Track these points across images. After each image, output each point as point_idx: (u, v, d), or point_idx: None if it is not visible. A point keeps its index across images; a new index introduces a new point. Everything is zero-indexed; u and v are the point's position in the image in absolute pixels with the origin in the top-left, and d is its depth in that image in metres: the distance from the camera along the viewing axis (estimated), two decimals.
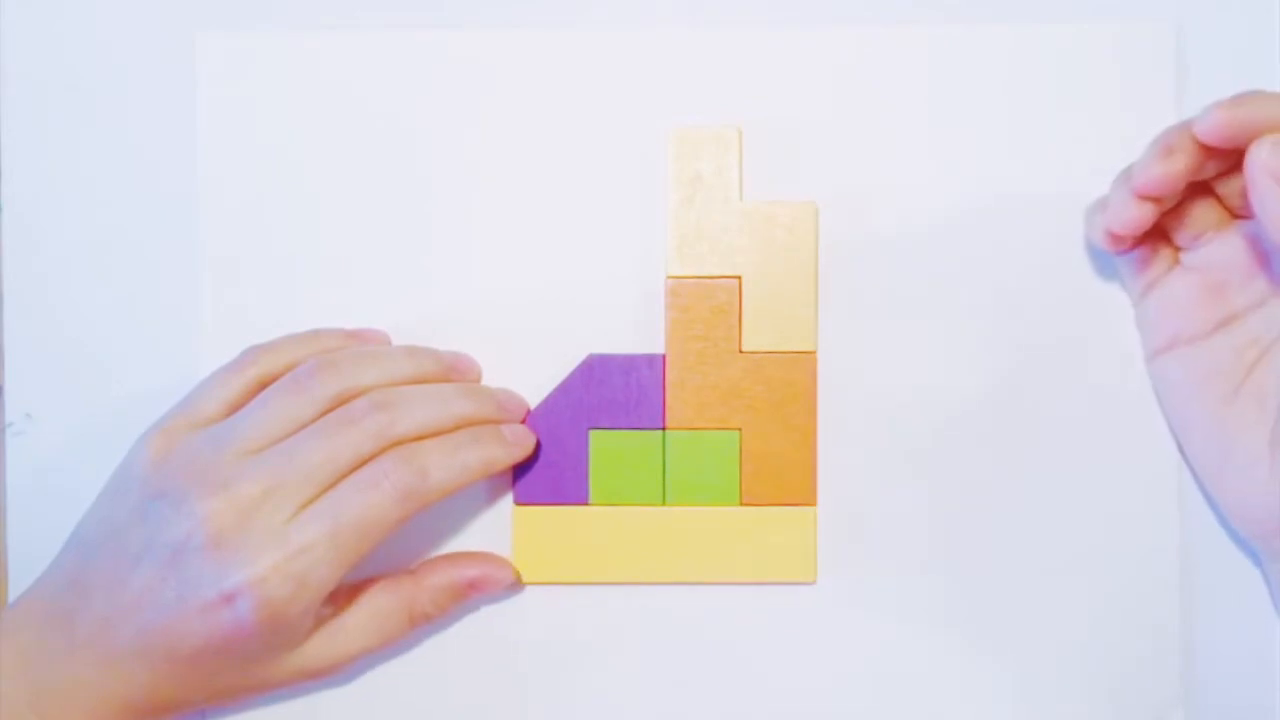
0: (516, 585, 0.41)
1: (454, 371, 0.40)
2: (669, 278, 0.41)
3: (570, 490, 0.41)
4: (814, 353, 0.41)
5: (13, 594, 0.42)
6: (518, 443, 0.40)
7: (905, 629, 0.41)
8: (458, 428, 0.39)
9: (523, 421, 0.41)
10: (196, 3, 0.42)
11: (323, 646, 0.38)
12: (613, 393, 0.41)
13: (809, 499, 0.41)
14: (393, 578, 0.39)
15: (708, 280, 0.41)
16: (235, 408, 0.38)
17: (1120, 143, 0.41)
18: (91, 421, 0.40)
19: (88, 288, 0.42)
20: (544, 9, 0.42)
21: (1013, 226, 0.41)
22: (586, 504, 0.41)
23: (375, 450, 0.37)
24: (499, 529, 0.41)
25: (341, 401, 0.38)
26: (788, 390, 0.41)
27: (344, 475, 0.37)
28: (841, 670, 0.41)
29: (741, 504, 0.41)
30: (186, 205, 0.42)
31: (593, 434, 0.41)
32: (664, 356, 0.41)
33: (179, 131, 0.42)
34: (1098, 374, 0.41)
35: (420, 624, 0.40)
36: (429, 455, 0.38)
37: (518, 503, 0.41)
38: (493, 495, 0.42)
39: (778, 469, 0.41)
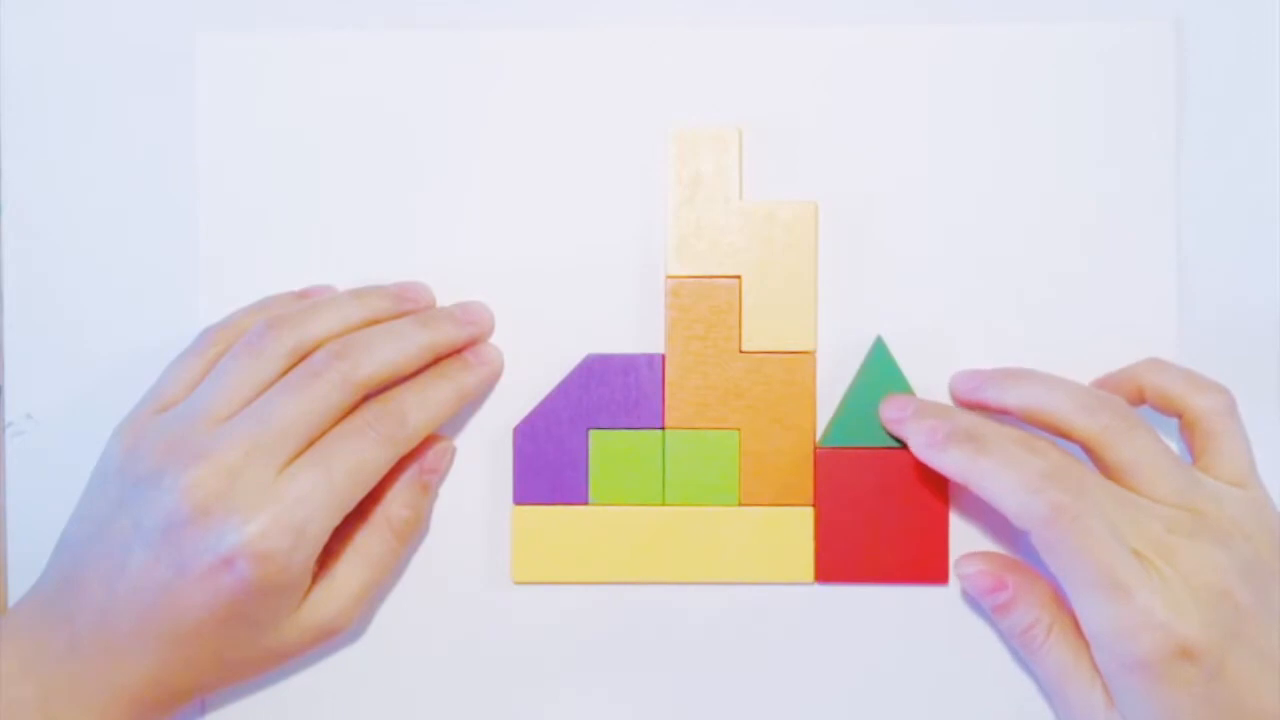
0: (450, 450, 0.41)
1: (405, 303, 0.40)
2: (669, 277, 0.41)
3: (570, 490, 0.41)
4: (814, 353, 0.41)
5: (13, 592, 0.42)
6: (485, 363, 0.41)
7: (905, 629, 0.41)
8: (421, 359, 0.39)
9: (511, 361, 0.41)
10: (196, 3, 0.42)
11: (323, 598, 0.39)
12: (612, 393, 0.41)
13: (808, 499, 0.41)
14: (358, 509, 0.39)
15: (707, 280, 0.41)
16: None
17: (1120, 143, 0.41)
18: (91, 421, 0.40)
19: (88, 288, 0.42)
20: (544, 9, 0.42)
21: (1013, 226, 0.41)
22: (586, 504, 0.41)
23: (344, 399, 0.37)
24: (499, 529, 0.41)
25: (299, 356, 0.38)
26: (787, 390, 0.41)
27: (318, 428, 0.37)
28: (841, 670, 0.41)
29: (740, 504, 0.41)
30: (186, 205, 0.42)
31: (592, 434, 0.41)
32: (663, 356, 0.41)
33: (179, 131, 0.42)
34: (1098, 372, 0.41)
35: (406, 534, 0.40)
36: (404, 399, 0.38)
37: (517, 503, 0.41)
38: (493, 495, 0.42)
39: (777, 469, 0.41)
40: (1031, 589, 0.39)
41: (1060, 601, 0.38)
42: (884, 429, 0.40)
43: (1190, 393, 0.38)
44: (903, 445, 0.40)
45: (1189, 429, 0.39)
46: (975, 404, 0.39)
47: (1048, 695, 0.40)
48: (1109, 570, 0.34)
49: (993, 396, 0.39)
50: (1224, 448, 0.38)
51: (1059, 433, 0.38)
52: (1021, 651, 0.39)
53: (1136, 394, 0.39)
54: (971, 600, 0.41)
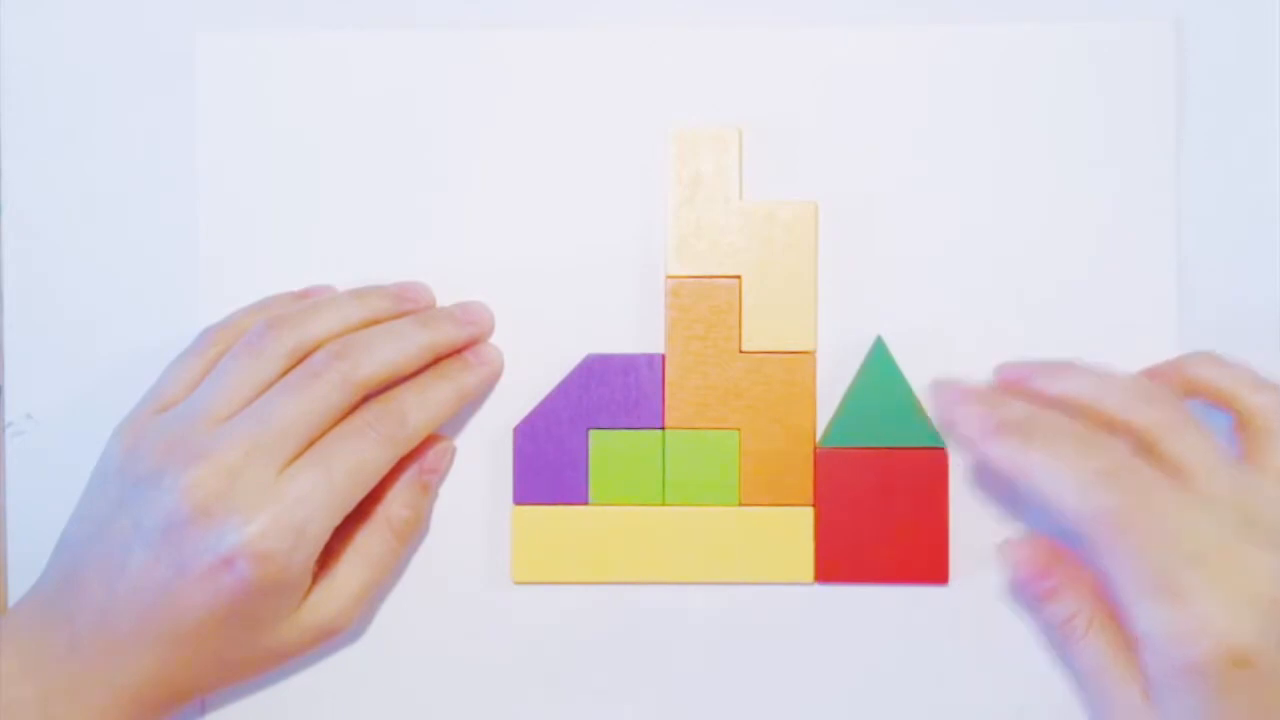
0: (451, 451, 0.41)
1: (405, 303, 0.40)
2: (669, 277, 0.41)
3: (570, 490, 0.41)
4: (814, 353, 0.41)
5: (13, 593, 0.42)
6: (485, 363, 0.41)
7: (905, 629, 0.41)
8: (421, 359, 0.39)
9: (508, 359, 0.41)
10: (196, 3, 0.42)
11: (323, 598, 0.39)
12: (612, 393, 0.41)
13: (808, 499, 0.41)
14: (359, 509, 0.39)
15: (707, 280, 0.41)
16: None
17: (1120, 143, 0.41)
18: (91, 421, 0.40)
19: (88, 288, 0.42)
20: (544, 9, 0.42)
21: (1013, 226, 0.41)
22: (586, 504, 0.41)
23: (344, 399, 0.37)
24: (499, 529, 0.41)
25: (299, 357, 0.38)
26: (787, 390, 0.41)
27: (318, 429, 0.37)
28: (841, 670, 0.41)
29: (740, 504, 0.41)
30: (186, 205, 0.42)
31: (592, 434, 0.41)
32: (663, 356, 0.41)
33: (179, 131, 0.42)
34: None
35: (406, 534, 0.40)
36: (404, 400, 0.38)
37: (517, 503, 0.41)
38: (493, 495, 0.42)
39: (777, 469, 0.41)
40: (1076, 579, 0.38)
41: (1099, 594, 0.38)
42: (891, 427, 0.40)
43: (1246, 390, 0.38)
44: (902, 446, 0.40)
45: (1242, 427, 0.38)
46: (1024, 393, 0.38)
47: (1079, 688, 0.40)
48: (1166, 574, 0.34)
49: (1042, 386, 0.38)
50: (1278, 446, 0.37)
51: (1110, 425, 0.37)
52: (1056, 644, 0.38)
53: (1185, 386, 0.38)
54: (971, 601, 0.41)
